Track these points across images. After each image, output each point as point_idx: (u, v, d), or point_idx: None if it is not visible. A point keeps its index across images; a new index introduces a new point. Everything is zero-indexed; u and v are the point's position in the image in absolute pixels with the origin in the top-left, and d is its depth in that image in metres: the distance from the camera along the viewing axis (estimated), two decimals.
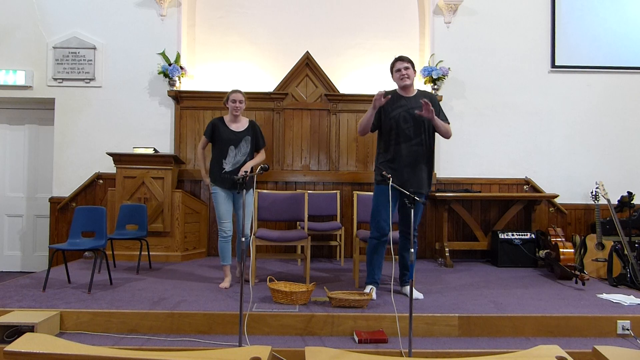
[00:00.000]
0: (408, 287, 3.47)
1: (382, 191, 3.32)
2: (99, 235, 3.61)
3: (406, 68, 3.37)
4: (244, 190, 2.86)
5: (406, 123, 3.35)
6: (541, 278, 4.25)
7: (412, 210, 2.60)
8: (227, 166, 3.67)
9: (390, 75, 3.49)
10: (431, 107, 3.21)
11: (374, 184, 3.51)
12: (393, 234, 3.56)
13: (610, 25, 5.43)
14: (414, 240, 3.42)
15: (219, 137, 3.70)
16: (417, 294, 3.38)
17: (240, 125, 3.74)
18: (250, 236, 3.57)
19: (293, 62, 5.30)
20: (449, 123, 3.44)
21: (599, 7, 5.43)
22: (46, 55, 5.25)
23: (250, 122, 3.79)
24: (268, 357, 1.63)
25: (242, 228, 2.76)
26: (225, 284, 3.66)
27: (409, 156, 3.34)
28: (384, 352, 2.62)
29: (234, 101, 3.67)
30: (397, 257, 3.66)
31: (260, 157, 3.82)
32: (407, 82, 3.37)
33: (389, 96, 3.30)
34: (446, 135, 3.40)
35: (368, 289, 3.37)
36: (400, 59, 3.42)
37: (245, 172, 3.53)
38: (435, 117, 3.29)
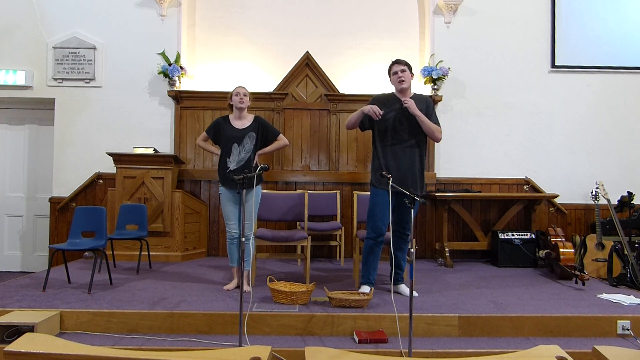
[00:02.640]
0: (401, 286, 3.51)
1: (378, 193, 3.39)
2: (99, 235, 3.61)
3: (403, 71, 3.40)
4: (244, 190, 2.84)
5: (401, 125, 3.38)
6: (541, 278, 4.25)
7: (412, 210, 2.59)
8: (232, 165, 3.55)
9: (388, 77, 3.53)
10: (412, 103, 3.29)
11: (369, 185, 3.53)
12: (387, 235, 3.57)
13: (611, 25, 5.43)
14: (407, 239, 3.44)
15: (223, 136, 3.59)
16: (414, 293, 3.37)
17: (245, 122, 3.62)
18: (251, 237, 3.53)
19: (293, 62, 5.30)
20: (439, 127, 3.47)
21: (599, 7, 5.43)
22: (46, 55, 5.25)
23: (255, 117, 3.66)
24: (268, 357, 1.63)
25: (243, 228, 2.75)
26: (230, 286, 3.61)
27: (404, 157, 3.37)
28: (384, 352, 2.62)
29: (238, 94, 3.56)
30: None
31: (279, 143, 3.69)
32: (404, 85, 3.40)
33: (382, 113, 3.32)
34: (432, 135, 3.41)
35: (364, 288, 3.37)
36: (397, 62, 3.45)
37: (247, 170, 3.45)
38: (421, 114, 3.33)
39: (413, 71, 3.49)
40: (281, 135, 3.71)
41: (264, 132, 3.64)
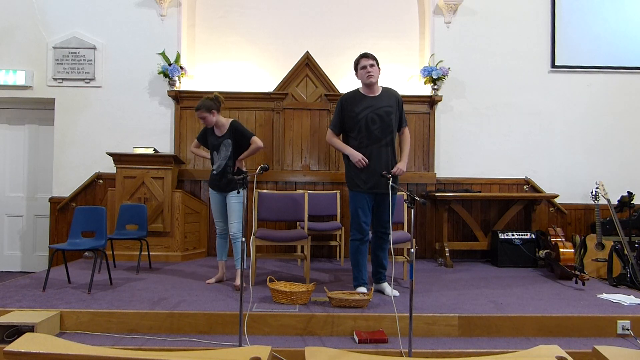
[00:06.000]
0: (383, 285, 3.49)
1: (357, 196, 3.37)
2: (99, 235, 3.61)
3: (372, 65, 3.34)
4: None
5: (374, 124, 3.34)
6: (541, 278, 4.25)
7: (413, 211, 2.58)
8: (214, 170, 3.74)
9: (355, 72, 3.47)
10: (403, 169, 3.37)
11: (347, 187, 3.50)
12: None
13: (611, 25, 5.43)
14: (388, 239, 3.43)
15: (208, 144, 3.81)
16: (394, 292, 3.37)
17: (223, 129, 3.71)
18: (240, 237, 3.51)
19: (293, 62, 5.30)
20: (406, 125, 3.51)
21: (600, 6, 5.43)
22: (46, 55, 5.25)
23: (231, 123, 3.71)
24: (268, 357, 1.63)
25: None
26: (211, 280, 3.79)
27: (380, 157, 3.34)
28: (384, 352, 2.62)
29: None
30: (394, 256, 3.66)
31: (251, 147, 3.66)
32: (373, 80, 3.34)
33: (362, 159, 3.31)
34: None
35: (360, 290, 3.36)
36: (366, 55, 3.38)
37: (240, 170, 3.61)
38: (405, 162, 3.41)
39: (380, 65, 3.43)
40: (254, 138, 3.69)
41: (238, 138, 3.69)
